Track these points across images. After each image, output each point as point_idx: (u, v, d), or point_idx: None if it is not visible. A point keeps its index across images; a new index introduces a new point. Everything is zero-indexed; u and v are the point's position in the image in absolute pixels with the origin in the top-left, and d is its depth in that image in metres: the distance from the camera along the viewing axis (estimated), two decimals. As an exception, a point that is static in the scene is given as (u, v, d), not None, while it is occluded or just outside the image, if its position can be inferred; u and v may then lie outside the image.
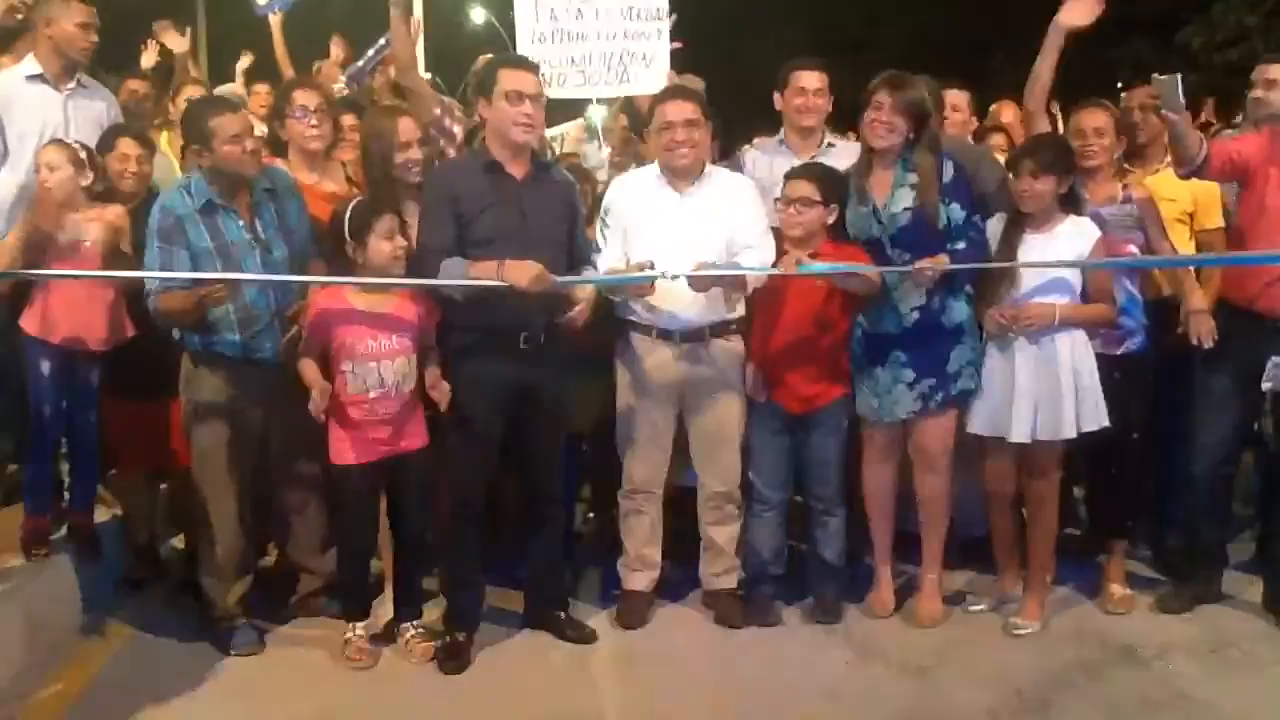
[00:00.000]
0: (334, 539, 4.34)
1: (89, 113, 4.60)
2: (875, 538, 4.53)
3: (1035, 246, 4.21)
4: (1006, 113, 6.09)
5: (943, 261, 4.08)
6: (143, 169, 4.42)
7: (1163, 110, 4.12)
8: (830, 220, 4.24)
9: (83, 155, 4.14)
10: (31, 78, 4.52)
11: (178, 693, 3.84)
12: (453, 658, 4.07)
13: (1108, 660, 4.06)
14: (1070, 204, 4.25)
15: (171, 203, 3.95)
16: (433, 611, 4.33)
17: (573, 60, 4.87)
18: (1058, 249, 4.18)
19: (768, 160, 4.70)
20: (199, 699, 3.83)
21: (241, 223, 4.02)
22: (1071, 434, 4.17)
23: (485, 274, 3.85)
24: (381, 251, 3.87)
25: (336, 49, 7.06)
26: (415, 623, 4.22)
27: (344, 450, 3.99)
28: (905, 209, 4.22)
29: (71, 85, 4.60)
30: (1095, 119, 4.48)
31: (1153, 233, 4.46)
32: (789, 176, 4.31)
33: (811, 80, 4.63)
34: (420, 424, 4.09)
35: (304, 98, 4.41)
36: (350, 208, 3.92)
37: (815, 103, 4.62)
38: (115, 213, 4.22)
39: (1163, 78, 4.04)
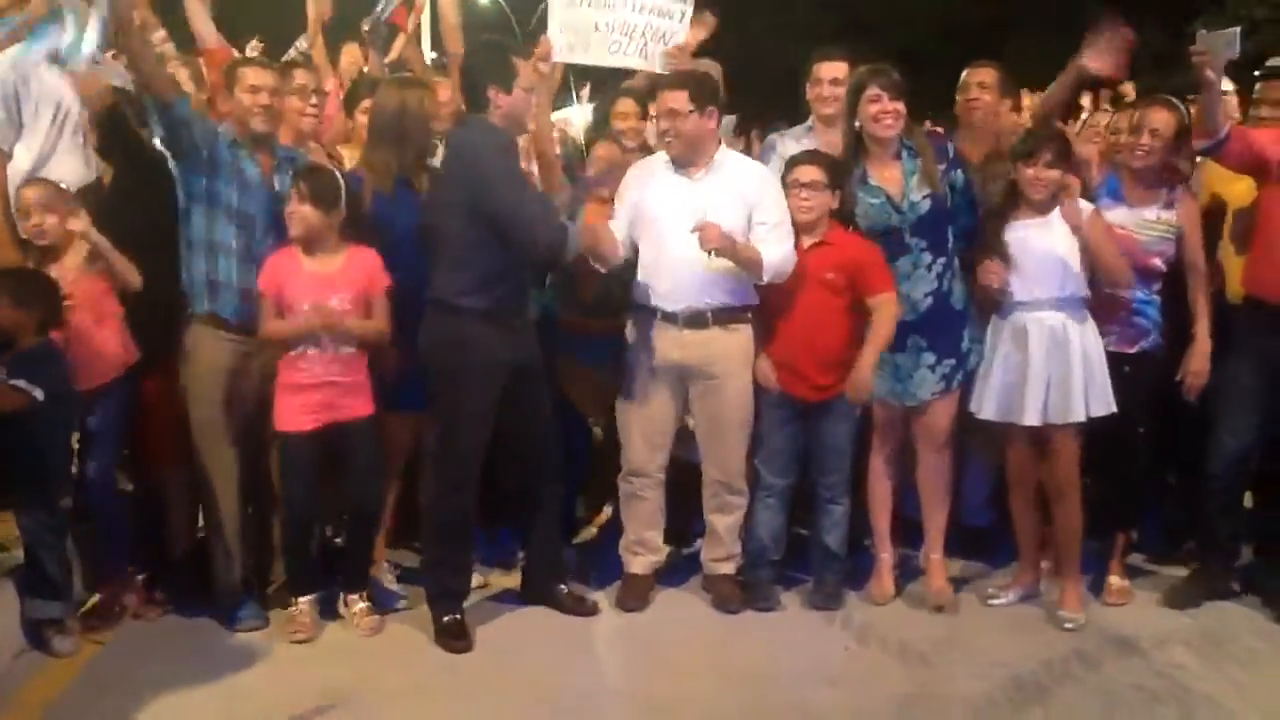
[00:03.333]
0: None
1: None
2: (876, 524, 4.54)
3: (1034, 233, 4.22)
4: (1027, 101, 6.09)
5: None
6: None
7: (1206, 70, 3.93)
8: (834, 206, 4.28)
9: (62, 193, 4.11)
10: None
11: (180, 668, 3.86)
12: (458, 637, 4.10)
13: (1106, 651, 4.08)
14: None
15: (223, 129, 4.14)
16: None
17: (597, 26, 4.78)
18: (1054, 233, 4.21)
19: (796, 147, 4.71)
20: (201, 674, 3.84)
21: (258, 170, 4.12)
22: (1081, 417, 4.18)
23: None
24: (293, 218, 4.01)
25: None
26: (358, 595, 4.26)
27: (286, 416, 4.07)
28: (925, 196, 4.28)
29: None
30: (1161, 118, 4.34)
31: (1189, 245, 4.38)
32: (794, 162, 4.33)
33: (831, 70, 4.69)
34: (366, 393, 4.13)
35: (302, 77, 4.51)
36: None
37: (835, 92, 4.65)
38: (81, 225, 4.03)
39: (1219, 31, 3.91)
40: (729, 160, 4.39)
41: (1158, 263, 4.39)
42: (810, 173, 4.25)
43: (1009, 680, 3.86)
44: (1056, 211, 4.22)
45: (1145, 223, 4.37)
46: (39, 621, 3.95)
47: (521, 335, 4.13)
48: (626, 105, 5.18)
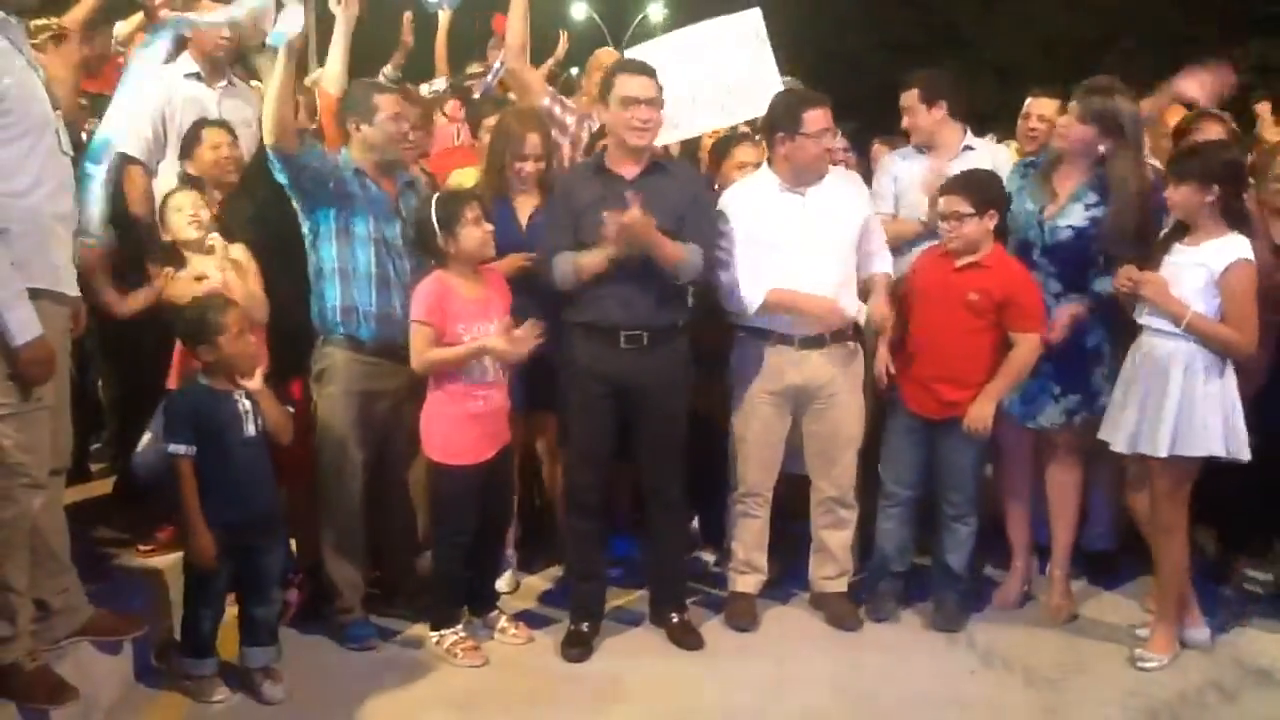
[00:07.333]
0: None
1: (240, 114, 4.74)
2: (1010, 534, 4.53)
3: (1177, 258, 3.98)
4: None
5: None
6: (234, 153, 4.45)
7: None
8: (991, 225, 4.19)
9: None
10: (189, 75, 4.74)
11: (299, 680, 3.87)
12: (576, 645, 4.13)
13: (1244, 682, 3.95)
14: (1232, 218, 3.93)
15: (342, 160, 4.11)
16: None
17: (694, 100, 4.72)
18: (1196, 264, 3.93)
19: (906, 164, 4.79)
20: (320, 687, 3.86)
21: (386, 193, 4.15)
22: (1163, 453, 3.91)
23: (592, 263, 3.97)
24: (473, 237, 3.91)
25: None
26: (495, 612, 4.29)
27: (462, 448, 3.98)
28: (1069, 226, 4.21)
29: (223, 84, 4.81)
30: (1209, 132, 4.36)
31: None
32: (943, 190, 4.26)
33: (904, 98, 4.78)
34: (508, 422, 4.13)
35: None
36: (435, 200, 3.95)
37: (916, 120, 4.75)
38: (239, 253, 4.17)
39: None
40: (836, 177, 4.38)
41: None
42: (951, 203, 4.18)
43: (1142, 710, 3.77)
44: (1206, 242, 3.91)
45: None
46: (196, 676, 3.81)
47: (634, 355, 4.07)
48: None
